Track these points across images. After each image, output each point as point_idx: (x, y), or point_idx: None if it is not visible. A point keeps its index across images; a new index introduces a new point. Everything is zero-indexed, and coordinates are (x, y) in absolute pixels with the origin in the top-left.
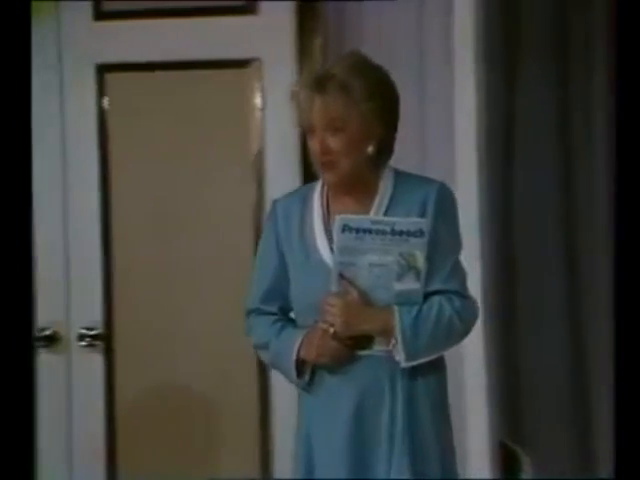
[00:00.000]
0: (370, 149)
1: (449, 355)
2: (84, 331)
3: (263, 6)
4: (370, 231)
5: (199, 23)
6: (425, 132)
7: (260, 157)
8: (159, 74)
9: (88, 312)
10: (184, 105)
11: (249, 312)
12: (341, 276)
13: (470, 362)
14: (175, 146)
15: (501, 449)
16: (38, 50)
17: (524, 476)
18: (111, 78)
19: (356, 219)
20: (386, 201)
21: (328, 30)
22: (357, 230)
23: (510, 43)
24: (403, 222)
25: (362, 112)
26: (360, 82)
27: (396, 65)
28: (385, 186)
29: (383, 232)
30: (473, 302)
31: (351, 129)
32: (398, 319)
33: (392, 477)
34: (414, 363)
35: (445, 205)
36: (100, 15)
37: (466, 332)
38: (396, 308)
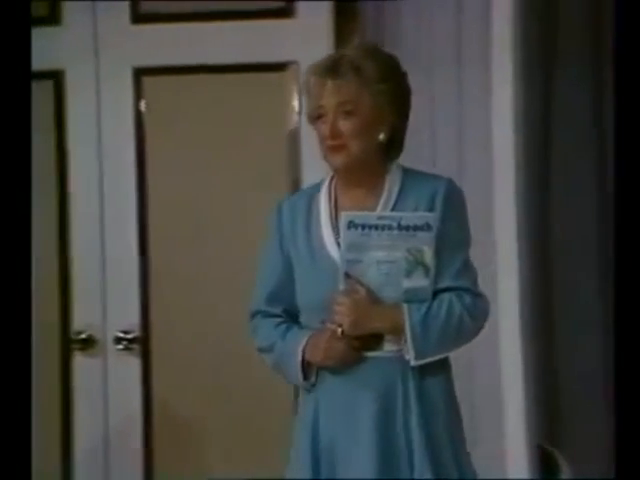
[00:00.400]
0: (381, 136)
1: (486, 359)
2: (121, 334)
3: (301, 8)
4: (376, 227)
5: (237, 26)
6: (462, 134)
7: (296, 160)
8: (196, 77)
9: (125, 315)
10: (221, 108)
11: (253, 314)
12: (347, 275)
13: (507, 365)
14: (212, 149)
15: (539, 451)
16: (74, 53)
17: (562, 477)
18: (148, 81)
19: (362, 215)
20: (394, 196)
21: (366, 32)
22: (363, 226)
23: (547, 47)
24: (410, 217)
25: (374, 94)
26: (372, 64)
27: (434, 67)
28: (393, 181)
29: (390, 227)
30: (484, 299)
31: (362, 112)
32: (407, 317)
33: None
34: (424, 361)
35: (453, 201)
36: (138, 18)
37: (477, 330)
38: (405, 306)
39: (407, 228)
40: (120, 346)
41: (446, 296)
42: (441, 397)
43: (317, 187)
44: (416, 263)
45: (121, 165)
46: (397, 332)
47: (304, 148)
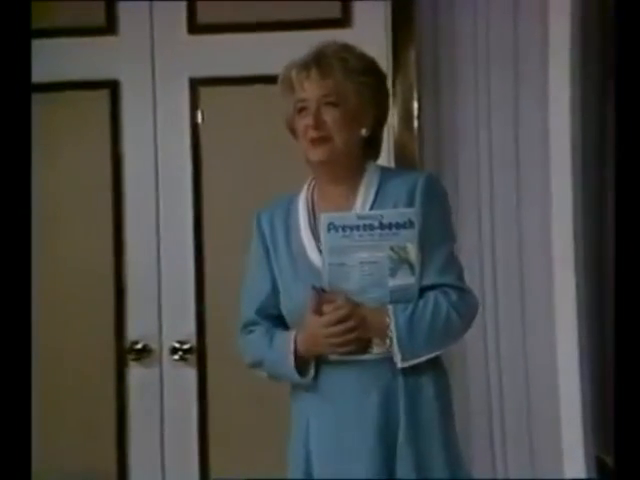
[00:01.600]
0: (364, 131)
1: (543, 369)
2: (176, 344)
3: (357, 18)
4: (357, 227)
5: (293, 37)
6: (519, 134)
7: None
8: (252, 87)
9: (180, 325)
10: (277, 119)
11: (242, 329)
12: (323, 290)
13: (565, 375)
14: (267, 159)
15: (597, 463)
16: (131, 63)
17: None
18: (204, 91)
19: (341, 216)
20: (372, 194)
21: (422, 42)
22: (343, 228)
23: (605, 46)
24: (391, 214)
25: (358, 86)
26: (355, 57)
27: (491, 67)
28: (370, 179)
29: (371, 227)
30: (471, 295)
31: (346, 104)
32: (393, 319)
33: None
34: (411, 363)
35: (434, 194)
36: (194, 28)
37: (465, 327)
38: (390, 308)
39: (389, 226)
40: (176, 356)
41: (431, 294)
42: (432, 398)
43: (294, 194)
44: (400, 261)
45: (177, 175)
46: (383, 335)
47: None
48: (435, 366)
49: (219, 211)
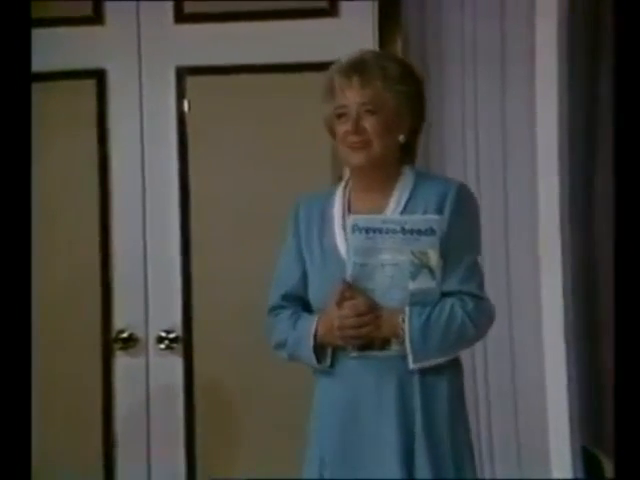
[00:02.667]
0: (401, 137)
1: (529, 360)
2: (163, 334)
3: (344, 8)
4: (381, 230)
5: (279, 26)
6: (506, 133)
7: (339, 160)
8: (239, 77)
9: (166, 315)
10: (263, 108)
11: (269, 311)
12: (348, 284)
13: (551, 366)
14: (254, 149)
15: (583, 453)
16: (117, 52)
17: (606, 478)
18: (191, 81)
19: (366, 219)
20: (404, 199)
21: (409, 32)
22: (367, 230)
23: (592, 46)
24: (414, 220)
25: (396, 95)
26: (395, 65)
27: (478, 65)
28: (404, 184)
29: (394, 231)
30: (488, 304)
31: (385, 112)
32: (408, 322)
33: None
34: (423, 365)
35: (463, 204)
36: (181, 18)
37: (479, 335)
38: (407, 310)
39: (411, 232)
40: (162, 345)
41: (449, 301)
42: (445, 397)
43: (334, 190)
44: (421, 266)
45: (163, 165)
46: (398, 336)
47: None
48: (452, 365)
49: (206, 201)
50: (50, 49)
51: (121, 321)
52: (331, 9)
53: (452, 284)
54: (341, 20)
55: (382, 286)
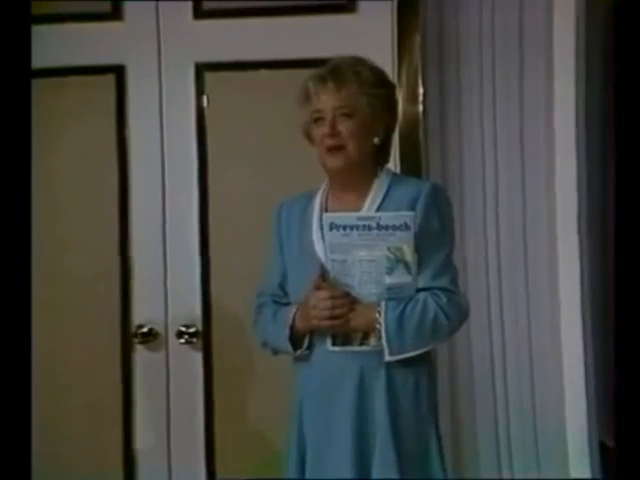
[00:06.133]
0: (376, 139)
1: (547, 356)
2: (182, 328)
3: (362, 5)
4: (357, 227)
5: (298, 22)
6: (524, 128)
7: None
8: (258, 73)
9: (186, 309)
10: (282, 104)
11: (255, 310)
12: (324, 277)
13: (569, 365)
14: (273, 145)
15: (601, 449)
16: (137, 48)
17: None
18: (210, 77)
19: (342, 216)
20: (379, 198)
21: (427, 28)
22: (344, 227)
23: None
24: (388, 216)
25: (371, 98)
26: (368, 70)
27: (496, 62)
28: (379, 184)
29: (369, 228)
30: (462, 298)
31: (360, 115)
32: (383, 315)
33: (377, 472)
34: (398, 357)
35: (435, 202)
36: (200, 14)
37: (453, 329)
38: (382, 304)
39: (386, 228)
40: (182, 340)
41: (422, 295)
42: (412, 394)
43: (311, 194)
44: (396, 261)
45: (182, 160)
46: (373, 330)
47: None
48: (422, 364)
49: (225, 195)
50: (70, 45)
51: (141, 316)
52: (349, 5)
53: (425, 280)
54: (359, 16)
55: (359, 281)
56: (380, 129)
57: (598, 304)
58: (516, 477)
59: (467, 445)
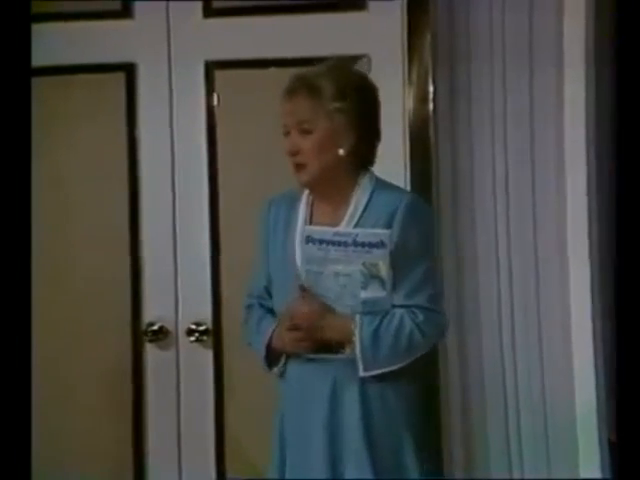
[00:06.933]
0: (341, 152)
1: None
2: (193, 326)
3: (372, 2)
4: (333, 242)
5: (307, 20)
6: (534, 130)
7: None
8: (267, 71)
9: (197, 307)
10: None
11: (244, 310)
12: (302, 287)
13: (579, 361)
14: (283, 142)
15: (610, 446)
16: (147, 47)
17: None
18: (220, 75)
19: (319, 231)
20: (359, 212)
21: (437, 25)
22: (320, 241)
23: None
24: (364, 233)
25: (330, 113)
26: (329, 84)
27: (506, 62)
28: (360, 195)
29: (345, 244)
30: (439, 316)
31: (320, 131)
32: (358, 330)
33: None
34: (373, 373)
35: (413, 217)
36: (210, 12)
37: (428, 345)
38: (357, 318)
39: (362, 245)
40: (192, 338)
41: (398, 312)
42: (389, 403)
43: (299, 195)
44: (371, 276)
45: (192, 158)
46: (349, 341)
47: None
48: (398, 373)
49: (235, 194)
50: (80, 42)
51: (151, 313)
52: (359, 3)
53: (400, 298)
54: (369, 14)
55: (335, 294)
56: (347, 141)
57: (608, 303)
58: (526, 477)
59: (478, 445)
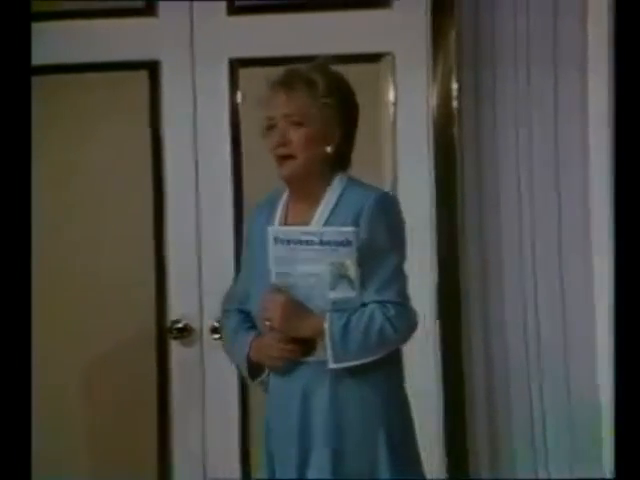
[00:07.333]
0: (329, 148)
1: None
2: (217, 324)
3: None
4: (300, 242)
5: (331, 17)
6: (558, 133)
7: (392, 153)
8: None
9: (221, 305)
10: None
11: (224, 311)
12: (274, 286)
13: (603, 360)
14: None
15: None
16: (170, 44)
17: None
18: (244, 72)
19: (286, 230)
20: (328, 211)
21: (462, 23)
22: (288, 241)
23: None
24: (330, 232)
25: (322, 107)
26: (321, 79)
27: (530, 64)
28: (331, 195)
29: (312, 242)
30: (410, 310)
31: (311, 124)
32: (328, 324)
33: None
34: (342, 366)
35: (381, 214)
36: (234, 10)
37: (401, 340)
38: (328, 314)
39: (329, 243)
40: (216, 335)
41: (369, 307)
42: (360, 406)
43: (279, 195)
44: (340, 276)
45: (216, 156)
46: (319, 337)
47: (399, 140)
48: (372, 375)
49: (259, 192)
50: (104, 40)
51: (176, 311)
52: (384, 0)
53: (370, 295)
54: (393, 11)
55: (304, 295)
56: (334, 138)
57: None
58: (552, 477)
59: (503, 444)
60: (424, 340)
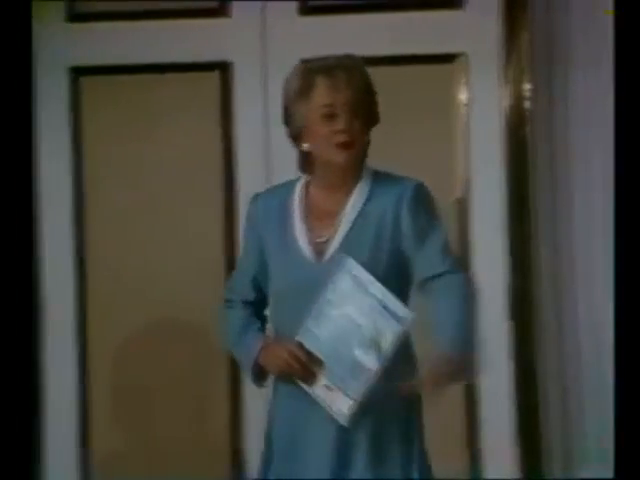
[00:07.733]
0: (367, 138)
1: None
2: None
3: (470, 0)
4: (365, 289)
5: (403, 18)
6: None
7: (464, 153)
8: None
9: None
10: (388, 100)
11: (224, 303)
12: (300, 345)
13: None
14: (379, 140)
15: None
16: (242, 45)
17: None
18: None
19: (362, 271)
20: (361, 202)
21: (535, 24)
22: (355, 278)
23: None
24: (395, 302)
25: (370, 96)
26: (365, 69)
27: (601, 57)
28: (363, 185)
29: (373, 296)
30: (467, 276)
31: (364, 113)
32: (450, 348)
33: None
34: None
35: (420, 201)
36: (305, 10)
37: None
38: (438, 339)
39: (386, 308)
40: None
41: (437, 293)
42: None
43: (288, 188)
44: (374, 342)
45: (289, 158)
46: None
47: (473, 140)
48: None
49: None
50: (176, 41)
51: None
52: (457, 1)
53: (429, 270)
54: (467, 12)
55: (330, 334)
56: (371, 127)
57: None
58: None
59: (577, 445)
60: (496, 342)
